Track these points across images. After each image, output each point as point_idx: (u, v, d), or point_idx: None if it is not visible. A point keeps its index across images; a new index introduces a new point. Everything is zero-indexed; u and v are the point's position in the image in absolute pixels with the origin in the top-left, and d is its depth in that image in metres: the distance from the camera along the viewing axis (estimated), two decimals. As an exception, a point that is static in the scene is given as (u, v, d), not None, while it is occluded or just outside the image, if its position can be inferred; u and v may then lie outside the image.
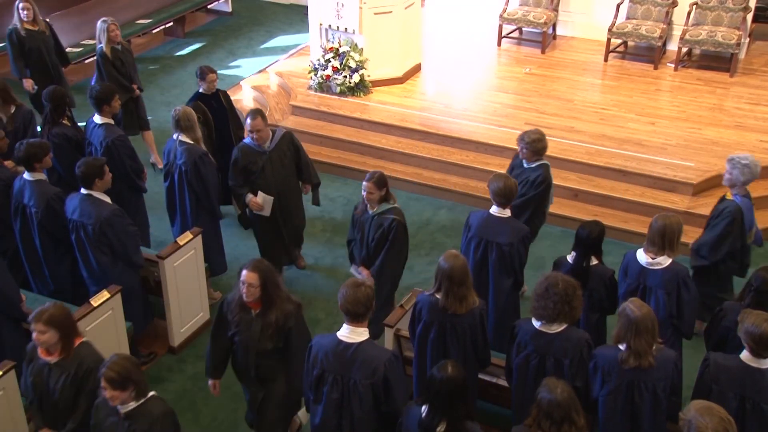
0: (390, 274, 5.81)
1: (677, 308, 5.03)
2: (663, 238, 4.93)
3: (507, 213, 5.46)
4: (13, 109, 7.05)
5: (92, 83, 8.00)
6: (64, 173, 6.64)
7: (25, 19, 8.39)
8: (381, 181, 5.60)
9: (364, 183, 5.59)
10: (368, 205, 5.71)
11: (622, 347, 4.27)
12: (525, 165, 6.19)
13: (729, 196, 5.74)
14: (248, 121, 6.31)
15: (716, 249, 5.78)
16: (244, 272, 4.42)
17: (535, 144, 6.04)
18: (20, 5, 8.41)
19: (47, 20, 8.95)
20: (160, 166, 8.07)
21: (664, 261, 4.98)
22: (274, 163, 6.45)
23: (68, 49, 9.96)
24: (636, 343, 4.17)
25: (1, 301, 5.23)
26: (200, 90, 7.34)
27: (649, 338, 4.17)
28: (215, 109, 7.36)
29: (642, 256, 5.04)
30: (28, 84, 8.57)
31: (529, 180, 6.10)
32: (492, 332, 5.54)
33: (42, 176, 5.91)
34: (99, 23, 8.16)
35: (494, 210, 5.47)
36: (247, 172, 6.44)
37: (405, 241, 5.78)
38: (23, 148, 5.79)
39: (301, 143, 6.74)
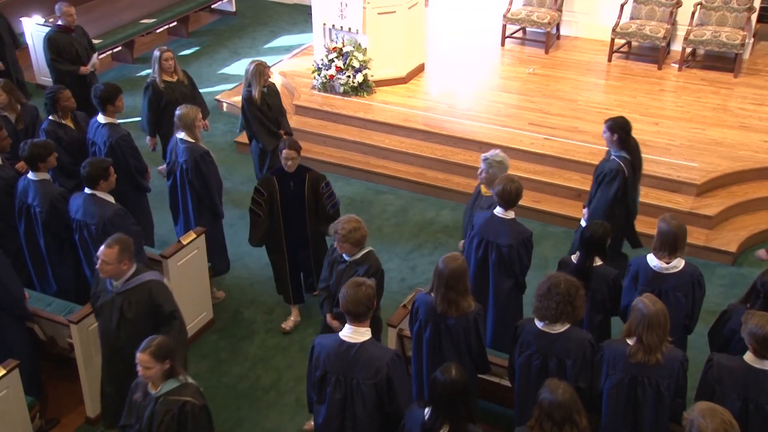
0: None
1: (691, 308, 5.04)
2: (676, 242, 4.92)
3: (510, 215, 5.45)
4: (19, 108, 7.05)
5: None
6: (51, 171, 6.55)
7: (167, 70, 7.58)
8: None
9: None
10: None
11: (630, 342, 4.28)
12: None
13: (486, 192, 5.71)
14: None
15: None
16: None
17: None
18: (162, 55, 7.48)
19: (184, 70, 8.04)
20: None
21: (679, 264, 4.97)
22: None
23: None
24: (647, 337, 4.18)
25: (5, 299, 5.24)
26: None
27: (661, 334, 4.18)
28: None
29: (654, 262, 5.00)
30: (152, 143, 7.80)
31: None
32: (492, 332, 5.54)
33: (46, 176, 5.91)
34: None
35: (498, 211, 5.47)
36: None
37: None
38: (27, 148, 5.80)
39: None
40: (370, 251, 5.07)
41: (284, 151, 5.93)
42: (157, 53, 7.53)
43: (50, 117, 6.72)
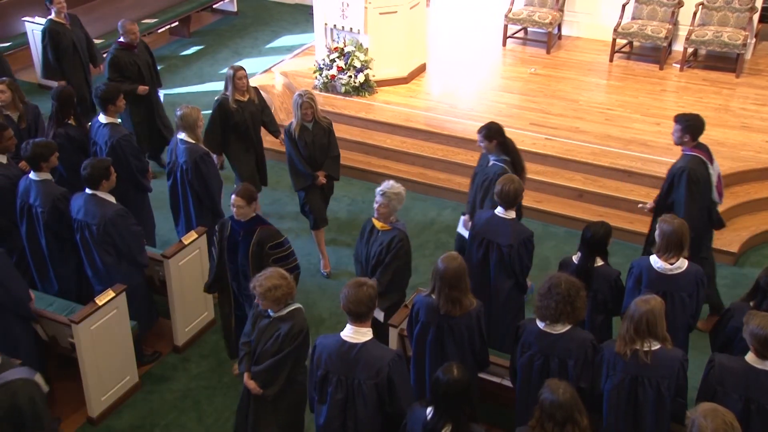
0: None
1: (695, 307, 5.06)
2: (681, 241, 4.92)
3: (511, 215, 5.45)
4: (22, 107, 7.06)
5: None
6: (66, 173, 6.63)
7: (240, 89, 7.13)
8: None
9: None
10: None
11: None
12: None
13: (383, 227, 5.38)
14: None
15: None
16: None
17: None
18: (235, 73, 7.06)
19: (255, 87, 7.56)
20: None
21: (683, 264, 4.97)
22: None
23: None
24: (621, 328, 4.29)
25: (10, 301, 5.24)
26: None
27: (631, 329, 4.23)
28: None
29: (658, 263, 4.99)
30: (219, 161, 7.27)
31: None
32: (493, 332, 5.53)
33: (48, 176, 5.91)
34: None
35: (499, 211, 5.47)
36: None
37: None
38: (30, 148, 5.80)
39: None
40: (298, 309, 4.57)
41: (232, 197, 5.30)
42: (230, 72, 7.09)
43: (58, 117, 6.73)
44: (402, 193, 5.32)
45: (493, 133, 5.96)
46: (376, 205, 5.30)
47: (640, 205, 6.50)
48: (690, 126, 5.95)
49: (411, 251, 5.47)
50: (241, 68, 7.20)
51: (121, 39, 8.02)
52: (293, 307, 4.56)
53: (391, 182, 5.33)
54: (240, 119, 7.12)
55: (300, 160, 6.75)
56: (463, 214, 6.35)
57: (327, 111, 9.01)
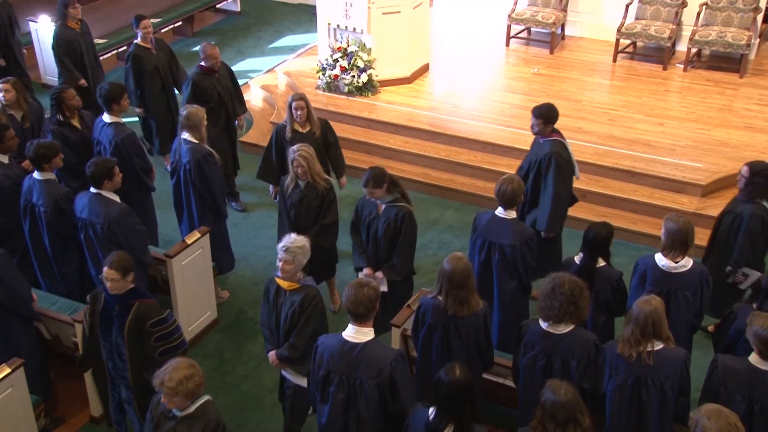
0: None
1: (699, 306, 5.05)
2: (686, 240, 4.92)
3: (512, 215, 5.45)
4: (26, 106, 7.07)
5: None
6: (59, 171, 6.57)
7: (298, 120, 6.67)
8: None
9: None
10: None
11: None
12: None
13: (291, 286, 4.77)
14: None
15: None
16: None
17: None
18: (292, 103, 6.62)
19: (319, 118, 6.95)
20: None
21: (687, 263, 4.97)
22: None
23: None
24: (624, 330, 4.28)
25: (12, 301, 5.25)
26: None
27: (637, 332, 4.22)
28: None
29: (663, 261, 4.99)
30: (275, 192, 6.86)
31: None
32: (497, 333, 5.54)
33: (51, 176, 5.92)
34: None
35: (499, 211, 5.47)
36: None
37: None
38: (33, 148, 5.81)
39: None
40: (207, 402, 3.95)
41: (104, 268, 4.67)
42: (289, 99, 6.73)
43: (56, 117, 6.74)
44: (306, 246, 4.70)
45: (380, 179, 5.50)
46: (279, 263, 4.67)
47: None
48: (548, 116, 6.18)
49: (325, 307, 4.89)
50: (300, 98, 6.60)
51: (202, 63, 7.58)
52: (202, 401, 3.92)
53: (293, 235, 4.71)
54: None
55: (285, 219, 6.08)
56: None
57: (330, 111, 9.03)
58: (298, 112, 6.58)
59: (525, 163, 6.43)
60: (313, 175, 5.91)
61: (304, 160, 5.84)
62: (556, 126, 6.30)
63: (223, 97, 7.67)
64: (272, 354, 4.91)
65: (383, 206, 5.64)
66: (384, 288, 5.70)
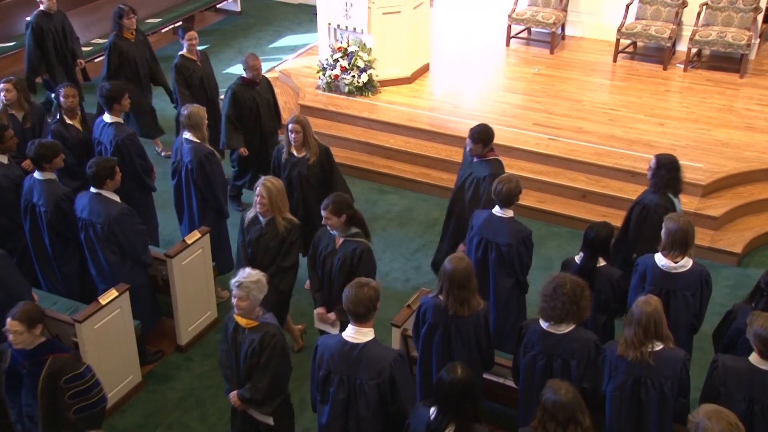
0: None
1: (698, 307, 5.05)
2: (686, 239, 4.92)
3: (509, 214, 5.45)
4: (27, 106, 7.07)
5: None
6: (57, 172, 6.55)
7: (293, 143, 6.37)
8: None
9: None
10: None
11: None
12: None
13: (249, 324, 4.48)
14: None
15: None
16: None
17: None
18: (290, 126, 6.30)
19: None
20: None
21: (687, 263, 4.97)
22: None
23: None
24: (626, 331, 4.26)
25: (12, 302, 5.19)
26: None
27: (639, 332, 4.21)
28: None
29: (662, 261, 4.99)
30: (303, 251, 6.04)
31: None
32: (493, 331, 5.52)
33: (52, 176, 5.92)
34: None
35: (496, 210, 5.47)
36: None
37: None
38: (34, 148, 5.82)
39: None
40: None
41: (7, 320, 4.29)
42: (288, 120, 6.47)
43: (57, 117, 6.74)
44: (262, 281, 4.40)
45: (341, 207, 5.12)
46: (234, 300, 4.40)
47: None
48: (487, 138, 6.03)
49: (287, 345, 4.65)
50: (296, 120, 6.30)
51: (245, 75, 7.42)
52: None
53: (248, 270, 4.42)
54: (287, 176, 6.37)
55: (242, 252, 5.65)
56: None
57: (330, 111, 9.03)
58: (293, 136, 6.29)
59: (461, 180, 6.23)
60: (274, 212, 5.38)
61: (267, 192, 5.31)
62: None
63: (260, 109, 7.46)
64: (233, 395, 4.61)
65: (341, 240, 5.17)
66: (335, 331, 5.21)
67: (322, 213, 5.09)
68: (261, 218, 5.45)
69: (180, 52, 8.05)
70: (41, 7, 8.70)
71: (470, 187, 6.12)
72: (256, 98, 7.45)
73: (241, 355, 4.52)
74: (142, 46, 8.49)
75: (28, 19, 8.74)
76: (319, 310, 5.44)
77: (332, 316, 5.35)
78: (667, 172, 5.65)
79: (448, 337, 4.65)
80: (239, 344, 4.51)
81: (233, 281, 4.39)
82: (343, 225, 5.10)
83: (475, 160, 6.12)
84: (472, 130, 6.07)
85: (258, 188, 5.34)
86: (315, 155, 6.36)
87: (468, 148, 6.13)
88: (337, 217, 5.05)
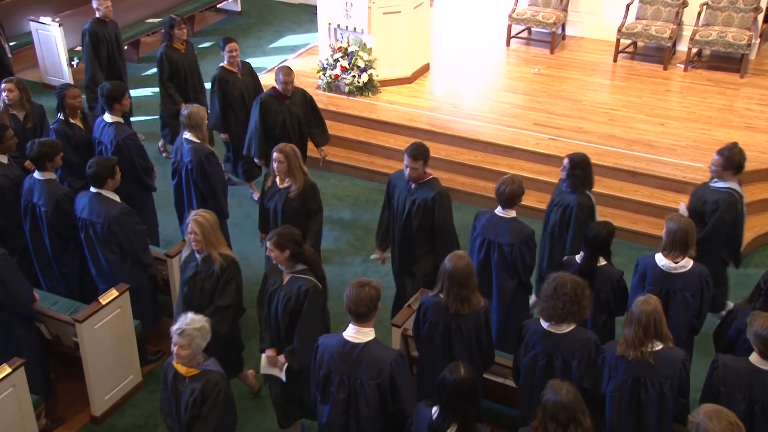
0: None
1: (699, 308, 5.05)
2: (687, 240, 4.92)
3: (511, 214, 5.45)
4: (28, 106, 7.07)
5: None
6: (61, 170, 6.52)
7: (276, 172, 5.90)
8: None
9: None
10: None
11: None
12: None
13: (190, 372, 4.25)
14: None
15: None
16: None
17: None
18: (275, 154, 5.81)
19: None
20: None
21: (687, 263, 4.97)
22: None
23: (77, 48, 10.02)
24: (626, 331, 4.26)
25: (12, 301, 5.25)
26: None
27: (640, 332, 4.21)
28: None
29: (663, 261, 4.99)
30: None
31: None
32: (496, 331, 5.53)
33: (52, 176, 5.93)
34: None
35: (498, 210, 5.47)
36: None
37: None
38: (36, 148, 5.82)
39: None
40: None
41: None
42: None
43: (59, 116, 6.74)
44: (206, 327, 4.17)
45: (284, 241, 4.75)
46: (174, 348, 4.15)
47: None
48: (426, 155, 5.59)
49: (232, 393, 4.39)
50: (280, 150, 5.76)
51: (277, 87, 7.21)
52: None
53: (190, 315, 4.18)
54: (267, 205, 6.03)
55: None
56: None
57: (330, 111, 9.02)
58: (275, 165, 5.78)
59: (401, 206, 5.76)
60: (209, 248, 5.02)
61: (199, 227, 4.95)
62: None
63: (287, 125, 7.14)
64: None
65: (288, 277, 4.79)
66: (282, 376, 4.93)
67: (266, 244, 4.76)
68: (197, 255, 5.09)
69: (220, 64, 7.81)
70: (97, 15, 8.57)
71: (417, 214, 5.63)
72: (283, 112, 7.14)
73: (182, 404, 4.27)
74: (192, 56, 8.35)
75: (84, 27, 8.58)
76: (269, 352, 4.93)
77: (281, 359, 4.89)
78: (581, 171, 5.70)
79: (449, 336, 4.65)
80: (180, 393, 4.26)
81: (174, 328, 4.13)
82: (287, 261, 4.72)
83: (413, 185, 5.63)
84: (412, 150, 5.53)
85: (190, 224, 4.99)
86: (299, 189, 5.78)
87: (407, 171, 5.56)
88: (280, 251, 4.67)
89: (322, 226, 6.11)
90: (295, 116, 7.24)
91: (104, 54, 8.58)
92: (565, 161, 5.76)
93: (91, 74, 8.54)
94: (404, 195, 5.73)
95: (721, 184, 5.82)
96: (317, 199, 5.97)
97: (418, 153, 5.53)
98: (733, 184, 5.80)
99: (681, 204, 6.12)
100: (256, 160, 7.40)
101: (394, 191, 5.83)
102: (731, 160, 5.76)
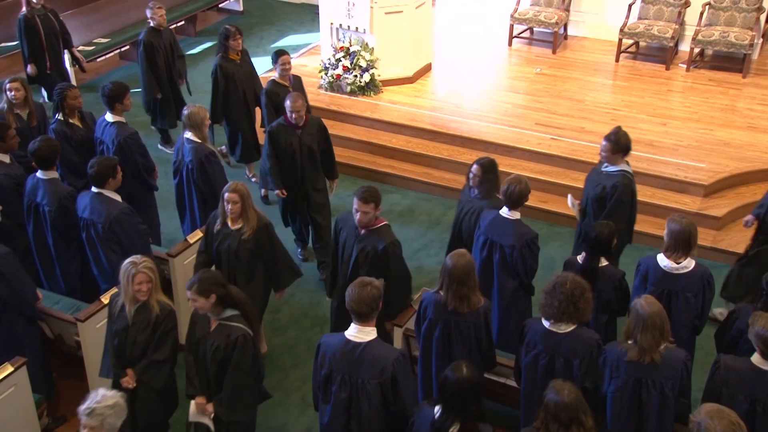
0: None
1: (701, 308, 5.03)
2: (689, 241, 4.91)
3: (516, 215, 5.44)
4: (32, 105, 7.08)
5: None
6: (60, 170, 6.47)
7: (229, 214, 5.55)
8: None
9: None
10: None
11: (630, 342, 4.28)
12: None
13: None
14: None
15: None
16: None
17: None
18: (226, 195, 5.45)
19: None
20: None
21: (689, 264, 4.96)
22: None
23: (80, 48, 10.03)
24: (642, 338, 4.19)
25: (17, 301, 5.25)
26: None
27: (657, 335, 4.17)
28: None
29: (664, 262, 4.98)
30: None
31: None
32: (496, 331, 5.53)
33: (55, 175, 5.93)
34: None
35: (503, 211, 5.47)
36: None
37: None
38: (40, 147, 5.82)
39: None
40: None
41: None
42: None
43: (57, 116, 6.75)
44: (120, 404, 3.76)
45: (207, 286, 4.45)
46: (84, 430, 3.73)
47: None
48: (378, 199, 5.26)
49: None
50: (233, 189, 5.41)
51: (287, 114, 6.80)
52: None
53: (101, 391, 3.78)
54: (216, 248, 5.66)
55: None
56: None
57: (332, 110, 9.03)
58: (229, 206, 5.37)
59: (347, 252, 5.39)
60: (149, 298, 4.70)
61: (150, 283, 4.66)
62: None
63: (298, 156, 6.64)
64: None
65: (216, 324, 4.50)
66: (211, 425, 4.63)
67: (187, 294, 4.42)
68: (128, 306, 4.74)
69: (272, 77, 7.63)
70: (151, 24, 8.48)
71: (365, 263, 5.22)
72: (294, 143, 6.61)
73: None
74: (248, 67, 8.13)
75: (139, 36, 8.53)
76: (199, 399, 4.64)
77: (210, 407, 4.60)
78: (494, 176, 5.69)
79: (448, 334, 4.65)
80: None
81: (82, 407, 3.69)
82: (214, 307, 4.42)
83: (362, 232, 5.24)
84: (362, 192, 5.17)
85: (136, 272, 4.64)
86: (252, 229, 5.45)
87: (357, 216, 5.20)
88: (205, 297, 4.35)
89: (287, 254, 5.73)
90: (307, 148, 6.65)
91: (161, 63, 8.48)
92: (474, 167, 5.66)
93: (146, 85, 8.46)
94: (352, 241, 5.29)
95: (612, 168, 5.87)
96: (272, 237, 5.59)
97: (369, 196, 5.11)
98: (624, 167, 5.88)
99: (569, 196, 6.23)
100: (276, 193, 6.88)
101: (341, 234, 5.42)
102: (618, 143, 5.81)
